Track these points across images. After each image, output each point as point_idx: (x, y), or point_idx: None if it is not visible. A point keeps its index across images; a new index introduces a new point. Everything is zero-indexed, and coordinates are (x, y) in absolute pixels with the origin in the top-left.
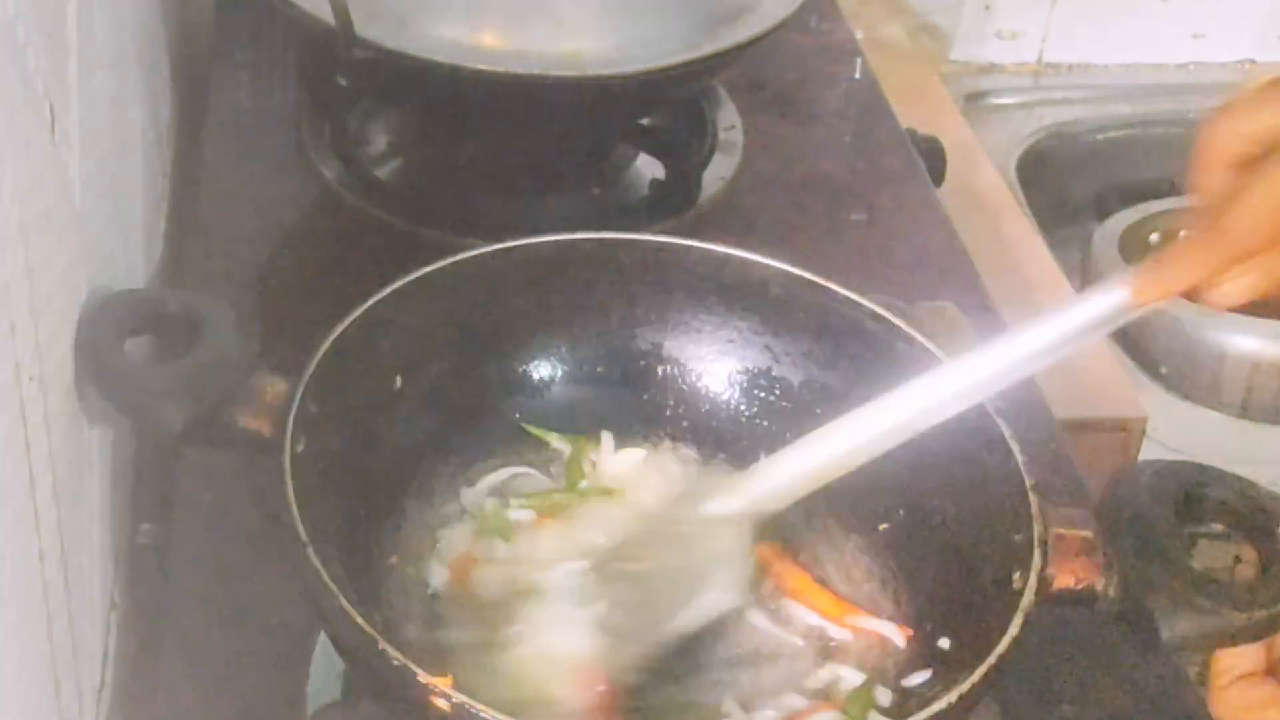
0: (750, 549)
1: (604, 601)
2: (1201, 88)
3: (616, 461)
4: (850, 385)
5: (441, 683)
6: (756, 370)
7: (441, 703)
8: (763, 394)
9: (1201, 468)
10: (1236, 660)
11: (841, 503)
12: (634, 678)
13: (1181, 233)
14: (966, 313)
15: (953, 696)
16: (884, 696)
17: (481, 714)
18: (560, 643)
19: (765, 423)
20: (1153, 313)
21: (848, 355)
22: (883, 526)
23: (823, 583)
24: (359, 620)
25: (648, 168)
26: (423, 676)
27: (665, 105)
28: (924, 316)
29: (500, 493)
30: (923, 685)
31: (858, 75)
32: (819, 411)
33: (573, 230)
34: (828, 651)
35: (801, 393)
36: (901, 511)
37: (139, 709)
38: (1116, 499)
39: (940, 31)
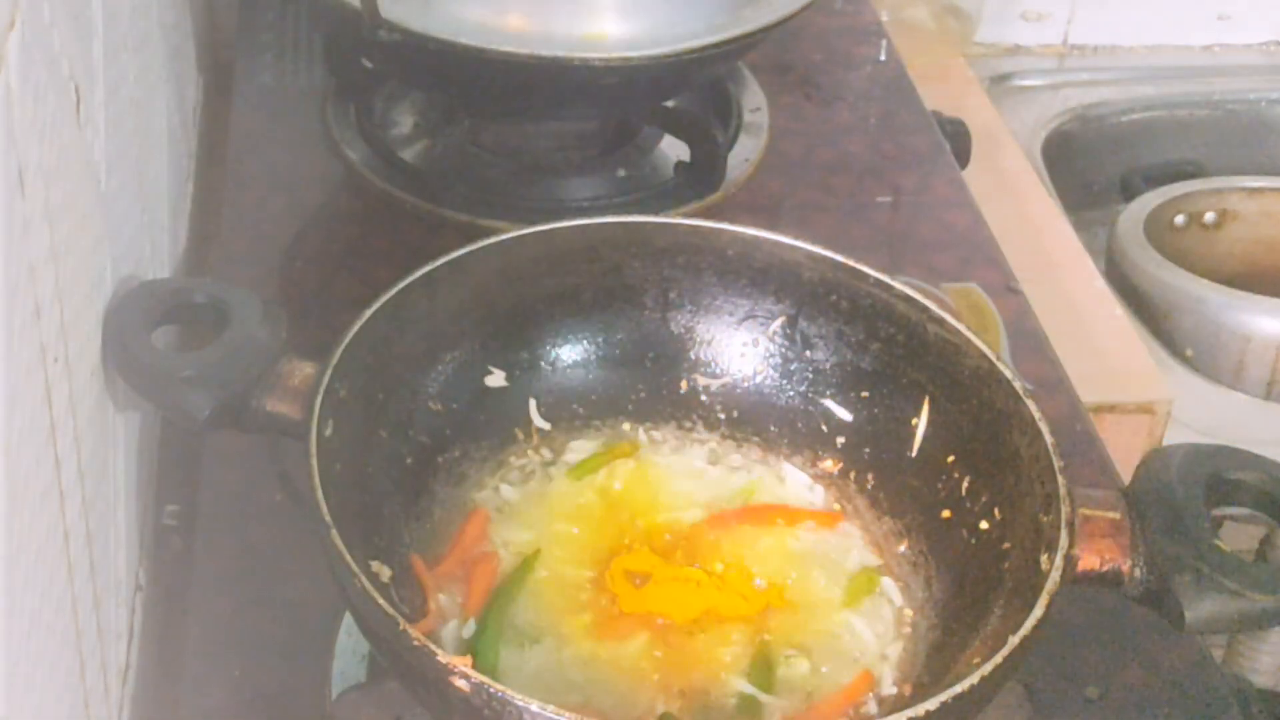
0: None
1: None
2: (1226, 69)
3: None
4: (883, 368)
5: (460, 663)
6: (789, 353)
7: (461, 683)
8: (795, 377)
9: (1232, 451)
10: None
11: (875, 487)
12: None
13: (1207, 215)
14: (991, 294)
15: (975, 678)
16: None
17: (499, 693)
18: None
19: (798, 406)
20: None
21: (880, 338)
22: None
23: None
24: (380, 601)
25: (672, 150)
26: (442, 657)
27: (690, 87)
28: (949, 298)
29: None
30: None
31: (883, 57)
32: (852, 395)
33: (598, 213)
34: None
35: (834, 375)
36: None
37: (163, 690)
38: (1145, 481)
39: (965, 13)
